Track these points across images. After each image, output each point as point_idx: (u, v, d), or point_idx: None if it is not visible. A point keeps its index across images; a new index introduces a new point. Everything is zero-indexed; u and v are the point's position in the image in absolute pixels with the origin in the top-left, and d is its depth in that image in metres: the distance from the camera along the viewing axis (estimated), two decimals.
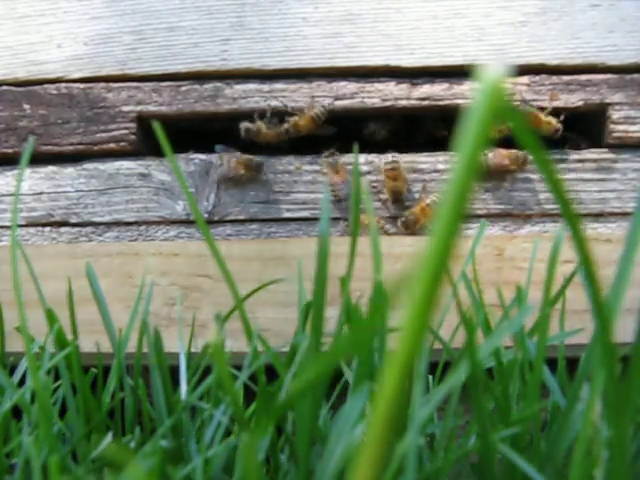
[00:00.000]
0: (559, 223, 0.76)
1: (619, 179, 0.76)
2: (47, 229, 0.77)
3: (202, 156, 0.78)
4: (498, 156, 0.75)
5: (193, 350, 0.56)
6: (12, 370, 0.50)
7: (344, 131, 0.81)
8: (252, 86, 0.79)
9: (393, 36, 0.79)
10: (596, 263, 0.21)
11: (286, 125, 0.79)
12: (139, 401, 0.49)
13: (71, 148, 0.79)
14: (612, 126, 0.77)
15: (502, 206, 0.76)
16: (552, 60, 0.78)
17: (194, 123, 0.82)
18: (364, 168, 0.78)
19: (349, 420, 0.31)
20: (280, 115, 0.79)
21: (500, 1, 0.80)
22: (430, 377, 0.50)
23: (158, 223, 0.77)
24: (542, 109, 0.77)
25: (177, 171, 0.38)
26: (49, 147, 0.78)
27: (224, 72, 0.79)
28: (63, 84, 0.79)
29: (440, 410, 0.46)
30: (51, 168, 0.78)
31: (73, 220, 0.77)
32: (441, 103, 0.78)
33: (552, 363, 0.45)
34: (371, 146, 0.78)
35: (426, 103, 0.78)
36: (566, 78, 0.78)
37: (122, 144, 0.78)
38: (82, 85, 0.79)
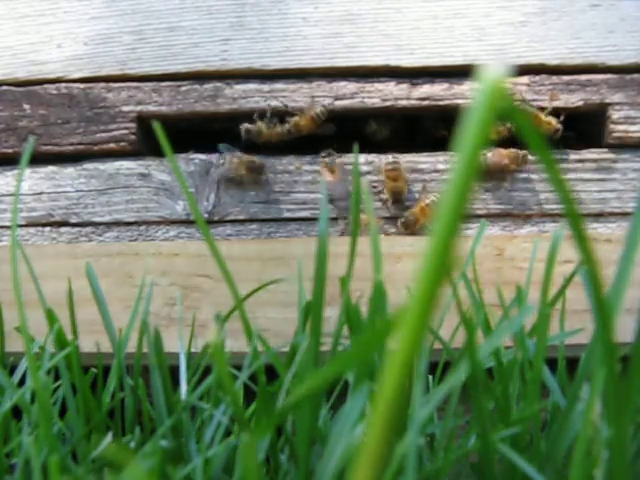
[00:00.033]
0: (559, 223, 0.76)
1: (619, 179, 0.76)
2: (47, 229, 0.77)
3: (202, 156, 0.78)
4: (497, 155, 0.75)
5: (193, 350, 0.56)
6: (12, 370, 0.50)
7: (344, 131, 0.81)
8: (252, 86, 0.79)
9: (393, 36, 0.79)
10: (599, 263, 0.21)
11: (287, 125, 0.79)
12: (139, 401, 0.49)
13: (71, 148, 0.79)
14: (612, 126, 0.77)
15: (502, 206, 0.76)
16: (552, 60, 0.78)
17: (194, 123, 0.82)
18: (364, 168, 0.78)
19: (349, 420, 0.31)
20: (280, 115, 0.79)
21: (500, 1, 0.80)
22: (430, 377, 0.50)
23: (158, 223, 0.77)
24: (542, 109, 0.77)
25: (177, 171, 0.38)
26: (49, 147, 0.78)
27: (224, 72, 0.79)
28: (63, 84, 0.79)
29: (440, 410, 0.46)
30: (51, 168, 0.78)
31: (73, 220, 0.77)
32: (441, 103, 0.78)
33: (552, 363, 0.45)
34: (371, 146, 0.78)
35: (426, 103, 0.78)
36: (566, 78, 0.78)
37: (122, 144, 0.78)
38: (82, 85, 0.79)
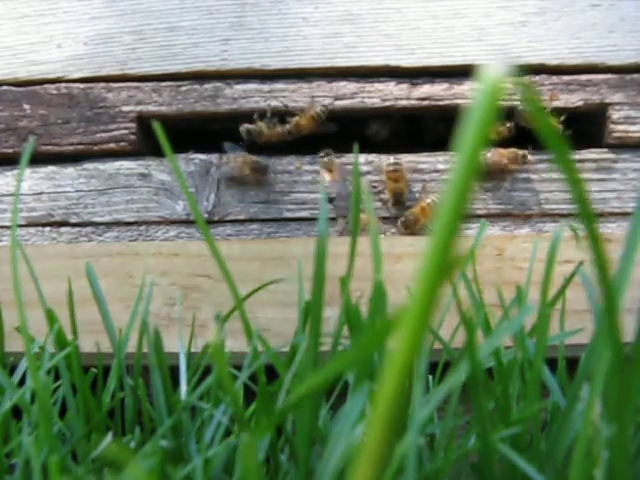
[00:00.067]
0: (559, 223, 0.76)
1: (619, 179, 0.76)
2: (47, 229, 0.77)
3: (202, 156, 0.78)
4: (497, 155, 0.75)
5: (193, 350, 0.56)
6: (12, 370, 0.50)
7: (344, 131, 0.81)
8: (252, 86, 0.79)
9: (393, 36, 0.79)
10: (610, 263, 0.21)
11: (288, 125, 0.79)
12: (139, 401, 0.49)
13: (71, 148, 0.79)
14: (612, 126, 0.77)
15: (502, 206, 0.76)
16: (552, 60, 0.78)
17: (194, 123, 0.82)
18: (364, 168, 0.78)
19: (349, 420, 0.31)
20: (280, 115, 0.79)
21: (500, 1, 0.80)
22: (430, 377, 0.50)
23: (158, 223, 0.77)
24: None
25: (177, 171, 0.38)
26: (49, 147, 0.78)
27: (224, 72, 0.79)
28: (63, 84, 0.79)
29: (440, 410, 0.46)
30: (51, 168, 0.78)
31: (73, 220, 0.77)
32: (441, 103, 0.78)
33: (552, 363, 0.45)
34: (371, 146, 0.78)
35: (426, 103, 0.78)
36: (566, 78, 0.78)
37: (122, 144, 0.78)
38: (82, 85, 0.79)
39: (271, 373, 0.43)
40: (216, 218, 0.77)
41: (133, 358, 0.50)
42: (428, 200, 0.75)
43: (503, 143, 0.76)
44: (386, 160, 0.76)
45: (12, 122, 0.79)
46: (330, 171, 0.76)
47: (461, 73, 0.78)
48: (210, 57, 0.79)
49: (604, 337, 0.23)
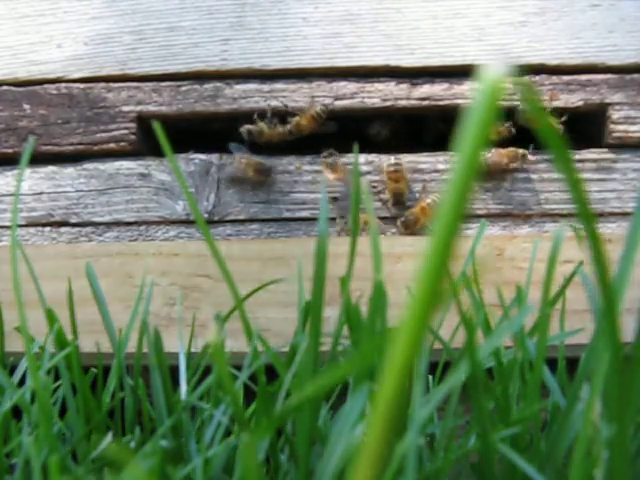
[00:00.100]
0: (559, 223, 0.76)
1: (619, 179, 0.76)
2: (47, 229, 0.77)
3: (202, 156, 0.78)
4: (496, 155, 0.75)
5: (193, 350, 0.56)
6: (12, 370, 0.50)
7: (344, 131, 0.81)
8: (252, 86, 0.79)
9: (393, 36, 0.79)
10: (609, 263, 0.21)
11: (289, 126, 0.79)
12: (139, 401, 0.49)
13: (71, 148, 0.79)
14: (612, 126, 0.77)
15: (502, 206, 0.76)
16: (552, 60, 0.78)
17: (194, 123, 0.82)
18: (364, 168, 0.78)
19: (349, 420, 0.31)
20: (281, 115, 0.79)
21: (500, 1, 0.80)
22: (430, 377, 0.50)
23: (158, 223, 0.77)
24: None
25: (177, 171, 0.38)
26: (49, 147, 0.78)
27: (224, 72, 0.79)
28: (63, 84, 0.79)
29: (440, 410, 0.46)
30: (51, 168, 0.78)
31: (73, 220, 0.77)
32: (441, 103, 0.78)
33: (552, 363, 0.45)
34: (371, 146, 0.78)
35: (426, 103, 0.78)
36: (566, 78, 0.78)
37: (122, 144, 0.78)
38: (82, 85, 0.79)
39: (271, 373, 0.43)
40: (216, 218, 0.77)
41: (133, 358, 0.50)
42: (428, 200, 0.75)
43: (503, 143, 0.76)
44: (386, 160, 0.76)
45: (12, 122, 0.79)
46: (335, 171, 0.76)
47: (461, 73, 0.78)
48: (210, 57, 0.79)
49: (604, 337, 0.23)
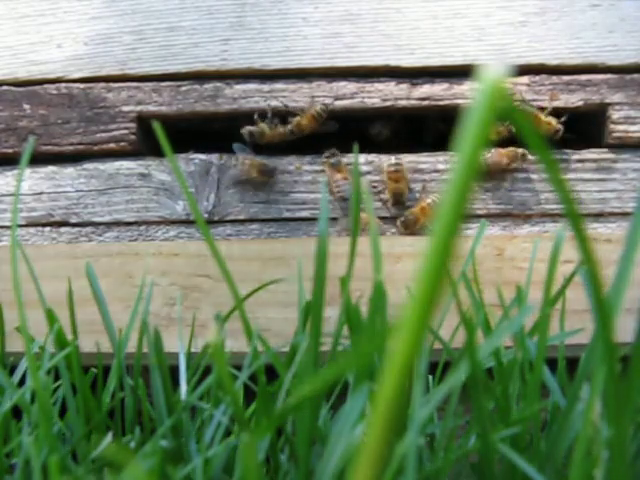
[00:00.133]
0: (559, 223, 0.76)
1: (619, 179, 0.76)
2: (47, 229, 0.77)
3: (202, 156, 0.78)
4: (496, 155, 0.75)
5: (193, 350, 0.56)
6: (12, 370, 0.50)
7: (344, 131, 0.81)
8: (252, 86, 0.79)
9: (393, 36, 0.79)
10: (599, 263, 0.21)
11: (290, 126, 0.78)
12: (139, 401, 0.49)
13: (71, 148, 0.79)
14: (612, 126, 0.77)
15: (502, 206, 0.76)
16: (552, 60, 0.78)
17: (194, 123, 0.82)
18: (364, 168, 0.78)
19: (349, 420, 0.31)
20: (281, 116, 0.79)
21: (500, 1, 0.80)
22: (430, 377, 0.50)
23: (158, 223, 0.77)
24: (542, 109, 0.77)
25: (177, 171, 0.38)
26: (49, 147, 0.79)
27: (224, 72, 0.79)
28: (63, 84, 0.79)
29: (440, 410, 0.46)
30: (51, 168, 0.78)
31: (73, 220, 0.77)
32: (441, 103, 0.78)
33: (552, 363, 0.45)
34: (371, 146, 0.78)
35: (426, 103, 0.78)
36: (566, 78, 0.78)
37: (122, 144, 0.78)
38: (82, 85, 0.79)
39: (271, 373, 0.43)
40: (216, 218, 0.77)
41: (133, 358, 0.50)
42: (428, 200, 0.75)
43: (503, 143, 0.76)
44: (386, 160, 0.76)
45: (12, 122, 0.79)
46: (338, 171, 0.76)
47: (461, 73, 0.78)
48: (210, 57, 0.79)
49: (597, 338, 0.23)
